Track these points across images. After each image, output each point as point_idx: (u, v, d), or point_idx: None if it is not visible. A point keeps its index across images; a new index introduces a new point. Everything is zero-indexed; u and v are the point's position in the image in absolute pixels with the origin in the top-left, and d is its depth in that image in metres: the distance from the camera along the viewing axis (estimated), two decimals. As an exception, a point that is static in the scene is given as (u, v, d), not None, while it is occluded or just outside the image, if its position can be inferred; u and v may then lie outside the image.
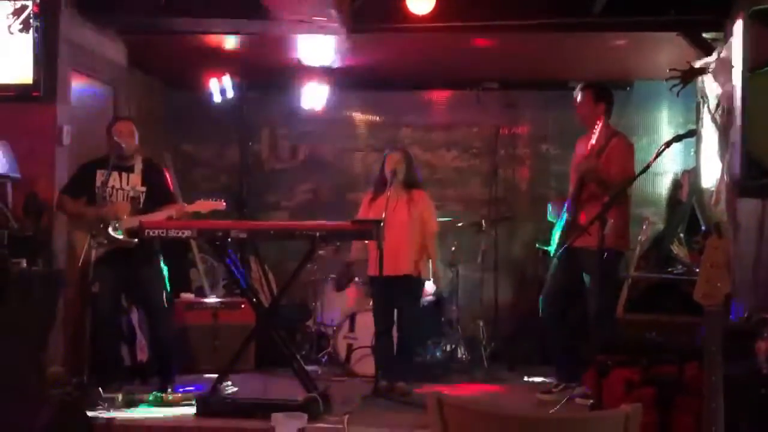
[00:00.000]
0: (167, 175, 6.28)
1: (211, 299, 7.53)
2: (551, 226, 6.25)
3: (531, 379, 6.90)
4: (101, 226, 5.74)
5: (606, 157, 5.85)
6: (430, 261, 6.37)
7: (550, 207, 6.34)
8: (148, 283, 6.02)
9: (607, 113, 6.06)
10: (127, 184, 5.96)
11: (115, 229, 5.77)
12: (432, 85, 8.71)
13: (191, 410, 5.38)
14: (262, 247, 7.97)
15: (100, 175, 5.86)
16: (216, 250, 5.89)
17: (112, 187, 5.91)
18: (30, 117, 6.08)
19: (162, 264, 6.13)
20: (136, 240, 5.72)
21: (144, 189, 5.97)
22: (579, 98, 6.10)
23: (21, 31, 6.02)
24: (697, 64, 6.53)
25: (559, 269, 6.06)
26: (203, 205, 6.00)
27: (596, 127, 5.91)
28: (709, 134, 6.87)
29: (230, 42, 7.32)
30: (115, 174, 5.91)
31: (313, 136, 8.81)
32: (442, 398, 2.26)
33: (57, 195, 6.00)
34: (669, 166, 8.27)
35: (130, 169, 5.99)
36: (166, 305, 6.16)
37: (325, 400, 5.34)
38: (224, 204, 6.11)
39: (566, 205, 6.04)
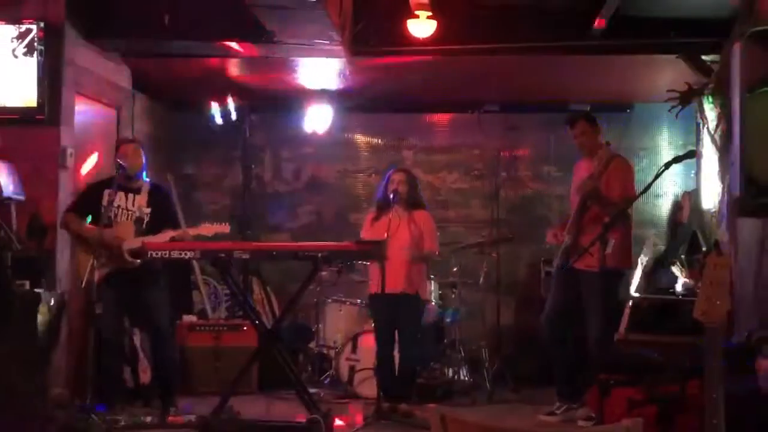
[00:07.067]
0: (172, 200, 6.30)
1: (213, 321, 7.53)
2: (554, 248, 6.26)
3: (533, 400, 6.87)
4: (105, 247, 5.76)
5: (606, 179, 5.87)
6: (432, 282, 6.36)
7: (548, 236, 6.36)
8: (154, 305, 6.03)
9: (602, 136, 6.13)
10: (133, 204, 5.98)
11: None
12: (433, 107, 8.75)
13: (193, 432, 5.39)
14: (265, 269, 7.98)
15: (106, 195, 5.88)
16: (219, 271, 5.91)
17: (118, 206, 5.93)
18: (34, 140, 6.12)
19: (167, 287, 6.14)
20: (138, 261, 5.74)
21: (149, 211, 5.99)
22: (576, 130, 6.12)
23: (25, 54, 6.05)
24: (696, 86, 6.56)
25: (561, 290, 6.07)
26: (207, 229, 6.01)
27: (599, 153, 5.93)
28: (709, 155, 6.90)
29: (233, 65, 7.37)
30: (121, 194, 5.94)
31: (315, 158, 8.84)
32: (445, 415, 2.27)
33: (63, 213, 6.03)
34: (669, 187, 8.30)
35: (136, 191, 6.01)
36: (170, 328, 6.17)
37: (328, 422, 5.33)
38: (228, 227, 6.12)
39: (567, 227, 6.05)
